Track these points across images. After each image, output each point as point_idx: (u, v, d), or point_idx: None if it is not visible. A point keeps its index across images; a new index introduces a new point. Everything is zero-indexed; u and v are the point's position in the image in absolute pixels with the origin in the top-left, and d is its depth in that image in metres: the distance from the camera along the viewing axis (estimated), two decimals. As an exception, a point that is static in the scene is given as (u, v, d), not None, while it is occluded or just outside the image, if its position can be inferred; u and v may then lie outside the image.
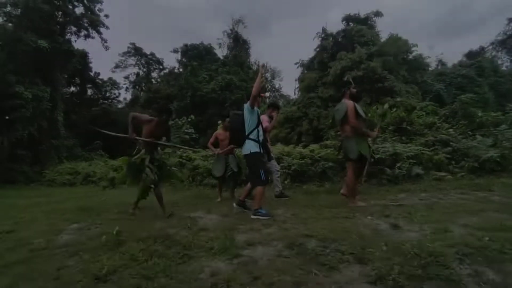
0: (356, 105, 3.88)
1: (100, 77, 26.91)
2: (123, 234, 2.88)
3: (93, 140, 20.93)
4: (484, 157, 5.49)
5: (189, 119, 12.48)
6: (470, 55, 30.52)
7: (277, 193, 4.91)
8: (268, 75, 43.06)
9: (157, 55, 36.15)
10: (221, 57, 30.79)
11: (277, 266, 2.06)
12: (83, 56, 22.65)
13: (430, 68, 26.77)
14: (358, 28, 16.73)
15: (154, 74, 37.16)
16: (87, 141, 21.11)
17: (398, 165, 5.68)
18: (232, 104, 22.91)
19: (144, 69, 36.34)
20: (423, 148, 6.32)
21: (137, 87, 36.11)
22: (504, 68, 31.97)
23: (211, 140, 5.44)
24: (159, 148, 4.34)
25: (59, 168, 14.60)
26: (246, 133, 3.64)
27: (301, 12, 65.22)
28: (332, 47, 16.99)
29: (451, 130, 7.45)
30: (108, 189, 9.28)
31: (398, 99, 11.59)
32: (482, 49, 30.93)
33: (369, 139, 4.22)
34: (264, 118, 4.52)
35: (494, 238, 2.18)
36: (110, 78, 27.87)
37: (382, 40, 18.22)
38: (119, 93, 29.84)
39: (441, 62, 28.19)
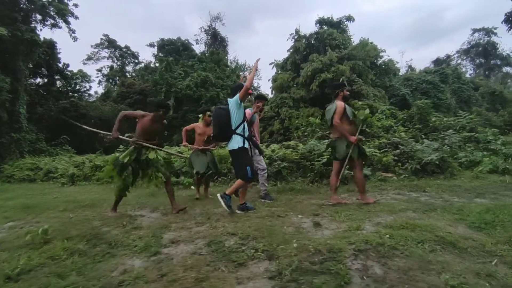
0: (347, 106, 3.94)
1: (70, 68, 25.81)
2: (51, 233, 2.86)
3: (60, 134, 20.05)
4: (425, 159, 5.86)
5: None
6: (437, 62, 32.16)
7: (262, 195, 4.57)
8: (247, 73, 43.13)
9: (133, 49, 35.21)
10: (199, 54, 30.47)
11: (188, 263, 2.15)
12: (50, 46, 21.60)
13: (400, 73, 28.02)
14: (330, 32, 17.14)
15: (129, 68, 36.16)
16: (54, 135, 20.19)
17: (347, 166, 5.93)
18: (207, 101, 22.73)
19: (118, 63, 35.22)
20: (374, 150, 6.64)
21: (110, 80, 34.96)
22: (468, 75, 34.09)
23: (188, 127, 5.24)
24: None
25: (19, 163, 13.87)
26: (233, 128, 3.58)
27: (284, 12, 65.73)
28: (305, 48, 17.30)
29: (403, 133, 7.87)
30: (67, 186, 9.00)
31: (360, 102, 12.01)
32: (448, 56, 32.65)
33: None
34: (248, 111, 4.27)
35: (394, 236, 2.39)
36: (80, 70, 26.76)
37: (355, 44, 18.79)
38: (90, 86, 28.73)
39: (410, 68, 29.44)
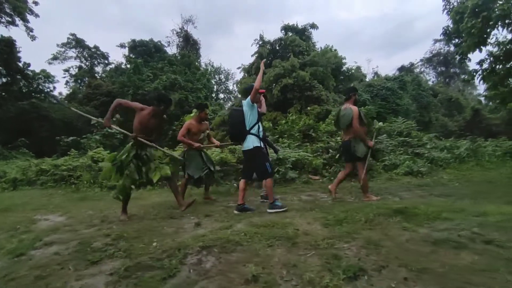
0: (360, 111, 4.17)
1: (34, 68, 24.79)
2: None
3: (19, 137, 19.24)
4: (348, 163, 6.26)
5: (114, 119, 11.90)
6: (402, 69, 33.78)
7: (263, 194, 4.47)
8: (222, 76, 43.20)
9: (106, 49, 34.46)
10: (171, 56, 30.25)
11: (39, 263, 2.27)
12: (9, 44, 20.72)
13: (367, 80, 29.19)
14: (292, 38, 17.66)
15: (99, 69, 35.23)
16: (12, 137, 19.35)
17: (276, 168, 6.23)
18: (176, 105, 22.62)
19: (87, 63, 34.23)
20: (307, 154, 6.99)
21: (79, 81, 33.91)
22: (430, 83, 36.06)
23: (183, 131, 4.55)
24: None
25: (-34, 167, 13.24)
26: (247, 128, 3.68)
27: (264, 17, 66.45)
28: (268, 54, 17.71)
29: (339, 138, 8.29)
30: (8, 191, 8.71)
31: (308, 108, 12.49)
32: (412, 64, 34.37)
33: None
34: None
35: (249, 233, 2.62)
36: (43, 70, 25.74)
37: (320, 51, 19.45)
38: (54, 87, 27.69)
39: (376, 74, 30.70)
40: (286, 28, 19.25)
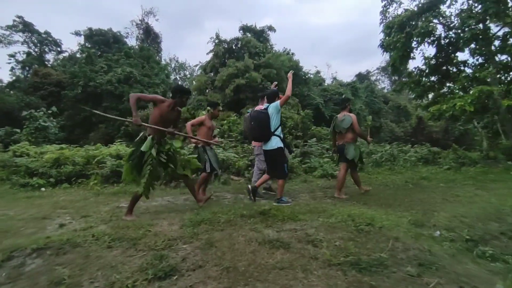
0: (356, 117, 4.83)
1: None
2: None
3: None
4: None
5: (50, 111, 11.03)
6: (359, 76, 35.52)
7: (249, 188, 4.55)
8: (187, 72, 42.32)
9: (57, 36, 32.11)
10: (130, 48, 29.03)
11: None
12: None
13: (326, 84, 30.30)
14: (249, 39, 17.83)
15: (50, 57, 32.81)
16: None
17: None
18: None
19: (36, 49, 31.72)
20: (233, 155, 7.11)
21: (27, 68, 31.30)
22: (386, 90, 38.31)
23: (194, 122, 4.58)
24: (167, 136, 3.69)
25: None
26: (272, 130, 3.99)
27: (235, 15, 66.09)
28: (224, 53, 17.71)
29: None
30: None
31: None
32: (368, 72, 36.26)
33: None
34: (260, 106, 4.69)
35: (102, 234, 2.61)
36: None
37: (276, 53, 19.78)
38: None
39: (335, 80, 31.95)
40: (244, 29, 19.38)
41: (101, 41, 29.51)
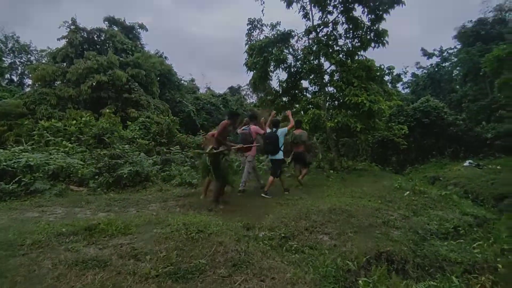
0: None
1: None
2: None
3: None
4: (118, 173, 5.89)
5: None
6: (231, 89, 38.03)
7: (240, 188, 5.89)
8: (32, 58, 33.94)
9: None
10: None
11: None
12: None
13: (199, 93, 30.80)
14: (114, 33, 16.09)
15: None
16: None
17: (18, 178, 5.03)
18: None
19: None
20: (77, 161, 6.12)
21: None
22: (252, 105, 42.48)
23: (220, 131, 4.70)
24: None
25: None
26: (279, 146, 5.71)
27: (103, 2, 57.54)
28: (82, 43, 15.26)
29: (127, 146, 7.90)
30: None
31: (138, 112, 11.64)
32: (239, 86, 39.30)
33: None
34: (254, 128, 5.94)
35: None
36: None
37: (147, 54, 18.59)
38: None
39: (209, 89, 33.01)
40: (110, 20, 17.35)
41: None
